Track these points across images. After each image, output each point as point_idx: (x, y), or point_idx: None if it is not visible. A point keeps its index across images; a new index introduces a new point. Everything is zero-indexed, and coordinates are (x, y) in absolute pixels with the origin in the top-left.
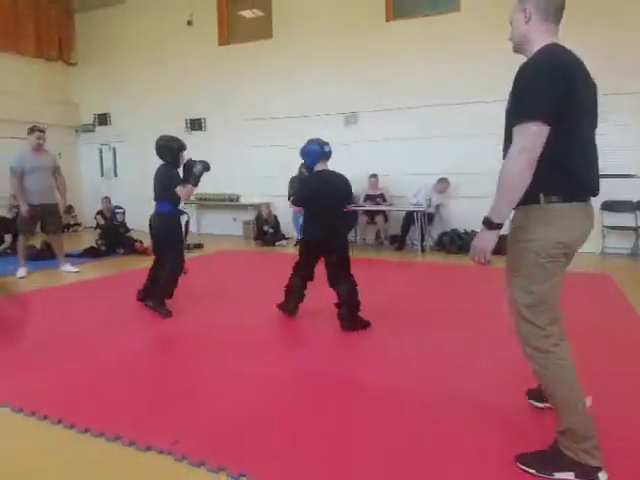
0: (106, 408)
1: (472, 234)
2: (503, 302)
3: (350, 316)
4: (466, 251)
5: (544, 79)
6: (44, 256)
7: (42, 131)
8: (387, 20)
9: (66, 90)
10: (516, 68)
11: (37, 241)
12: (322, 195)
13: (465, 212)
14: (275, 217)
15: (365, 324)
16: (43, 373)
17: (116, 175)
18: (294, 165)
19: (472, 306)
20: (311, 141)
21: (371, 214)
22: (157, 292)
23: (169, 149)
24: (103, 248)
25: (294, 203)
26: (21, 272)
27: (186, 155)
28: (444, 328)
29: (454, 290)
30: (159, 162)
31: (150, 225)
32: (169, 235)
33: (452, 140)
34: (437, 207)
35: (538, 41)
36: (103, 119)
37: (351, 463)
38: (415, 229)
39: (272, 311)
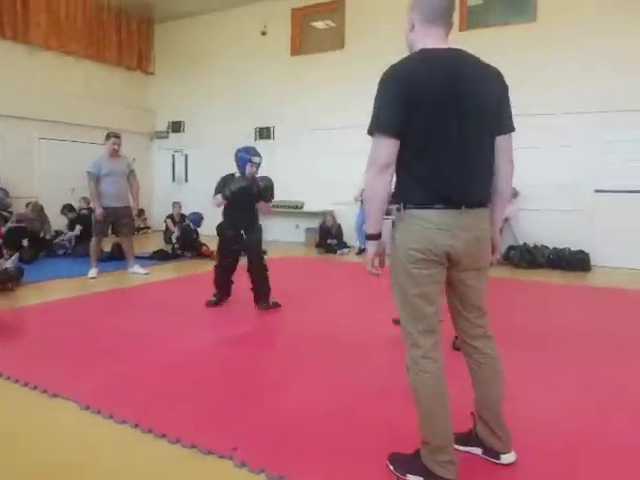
0: (170, 408)
1: (542, 249)
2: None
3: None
4: (536, 266)
5: (384, 95)
6: (115, 258)
7: (118, 137)
8: (461, 30)
9: (143, 98)
10: (585, 84)
11: (108, 244)
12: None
13: (534, 226)
14: (339, 226)
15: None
16: (110, 372)
17: (187, 181)
18: (359, 172)
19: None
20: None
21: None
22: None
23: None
24: (179, 252)
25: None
26: (92, 272)
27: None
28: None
29: (525, 307)
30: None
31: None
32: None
33: (521, 151)
34: (506, 219)
35: (419, 48)
36: (177, 126)
37: None
38: None
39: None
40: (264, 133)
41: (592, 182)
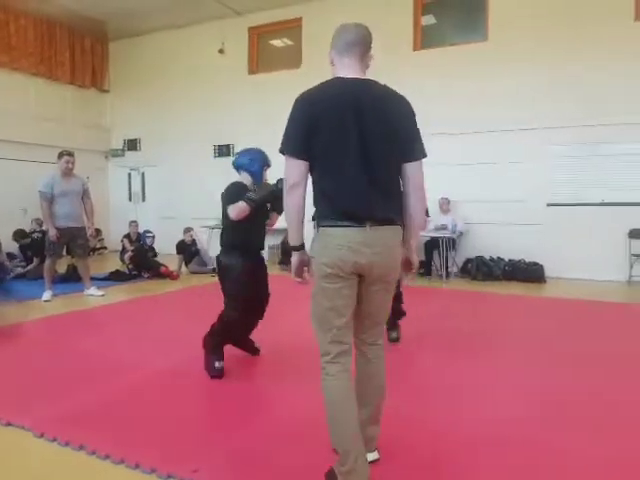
0: (129, 434)
1: (498, 261)
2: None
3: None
4: (493, 279)
5: (291, 118)
6: (70, 279)
7: (71, 155)
8: (415, 49)
9: (98, 115)
10: (535, 96)
11: (62, 265)
12: None
13: (490, 239)
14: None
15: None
16: (65, 398)
17: (144, 199)
18: None
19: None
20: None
21: None
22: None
23: None
24: (134, 272)
25: None
26: (47, 295)
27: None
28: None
29: (477, 317)
30: (187, 187)
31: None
32: None
33: (475, 167)
34: (460, 233)
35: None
36: (133, 144)
37: None
38: (440, 255)
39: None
40: (223, 150)
41: (544, 196)
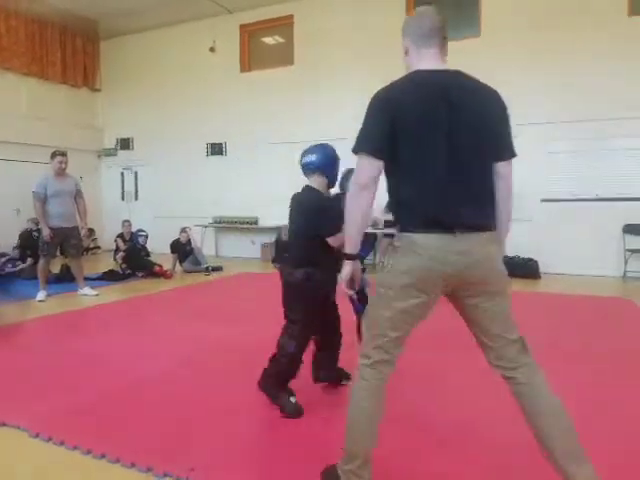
0: (124, 433)
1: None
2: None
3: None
4: None
5: (370, 114)
6: (63, 279)
7: (64, 155)
8: None
9: (90, 115)
10: (529, 92)
11: (56, 265)
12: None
13: None
14: None
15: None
16: (60, 397)
17: (137, 199)
18: None
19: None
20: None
21: (392, 237)
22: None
23: None
24: (128, 271)
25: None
26: (41, 295)
27: None
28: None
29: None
30: (180, 185)
31: None
32: None
33: None
34: None
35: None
36: (125, 143)
37: None
38: None
39: None
40: (216, 149)
41: (538, 192)
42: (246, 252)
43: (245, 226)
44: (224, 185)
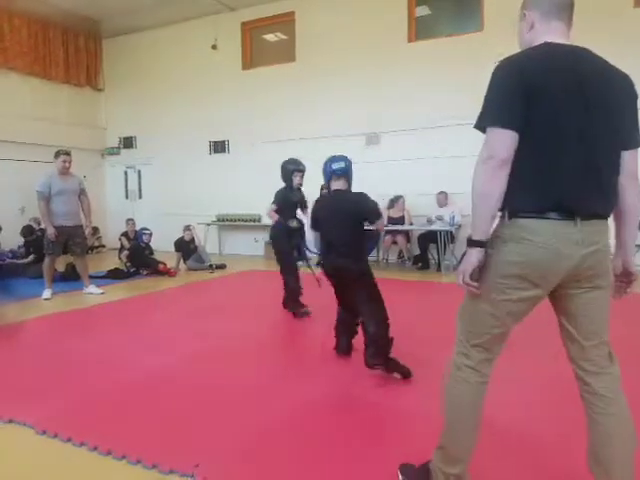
0: (130, 430)
1: None
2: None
3: (377, 355)
4: None
5: (496, 86)
6: (69, 278)
7: (68, 154)
8: (409, 41)
9: (93, 114)
10: None
11: (61, 263)
12: (324, 216)
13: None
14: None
15: (403, 371)
16: (67, 395)
17: (141, 197)
18: (318, 184)
19: None
20: (329, 158)
21: (393, 234)
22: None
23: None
24: (132, 270)
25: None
26: (46, 294)
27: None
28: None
29: None
30: (183, 184)
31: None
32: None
33: (472, 159)
34: (459, 226)
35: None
36: (129, 142)
37: None
38: (438, 248)
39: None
40: (219, 147)
41: None
42: (249, 250)
43: (248, 224)
44: (227, 183)
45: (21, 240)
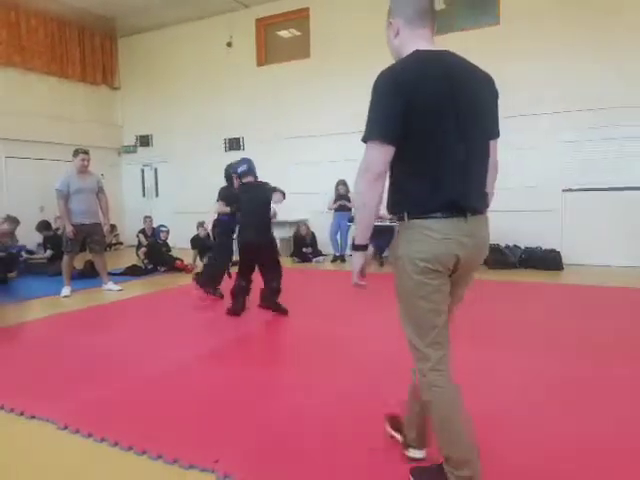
0: (150, 426)
1: (514, 249)
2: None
3: (276, 300)
4: (509, 267)
5: (377, 100)
6: (87, 275)
7: (86, 153)
8: None
9: (109, 112)
10: (547, 80)
11: (79, 261)
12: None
13: (505, 226)
14: (313, 234)
15: (283, 310)
16: (88, 391)
17: (157, 195)
18: (332, 181)
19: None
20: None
21: None
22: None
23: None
24: (150, 266)
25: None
26: (65, 291)
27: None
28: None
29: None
30: (199, 181)
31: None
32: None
33: None
34: None
35: (407, 52)
36: (145, 140)
37: None
38: None
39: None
40: (234, 144)
41: (559, 182)
42: None
43: None
44: None
45: (39, 238)
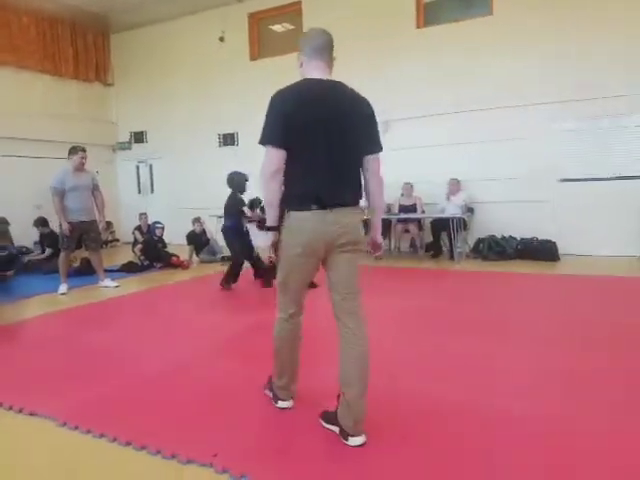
0: (149, 421)
1: (510, 240)
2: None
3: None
4: (505, 258)
5: (269, 113)
6: (84, 272)
7: (84, 150)
8: (418, 27)
9: (103, 109)
10: (542, 71)
11: (76, 258)
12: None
13: (501, 217)
14: None
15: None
16: (86, 387)
17: (153, 191)
18: None
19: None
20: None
21: (405, 222)
22: (225, 276)
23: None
24: (146, 263)
25: None
26: (62, 288)
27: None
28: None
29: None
30: (194, 177)
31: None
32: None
33: (483, 146)
34: (468, 209)
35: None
36: (139, 137)
37: None
38: (450, 236)
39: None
40: (228, 139)
41: (556, 172)
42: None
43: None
44: None
45: (35, 236)
